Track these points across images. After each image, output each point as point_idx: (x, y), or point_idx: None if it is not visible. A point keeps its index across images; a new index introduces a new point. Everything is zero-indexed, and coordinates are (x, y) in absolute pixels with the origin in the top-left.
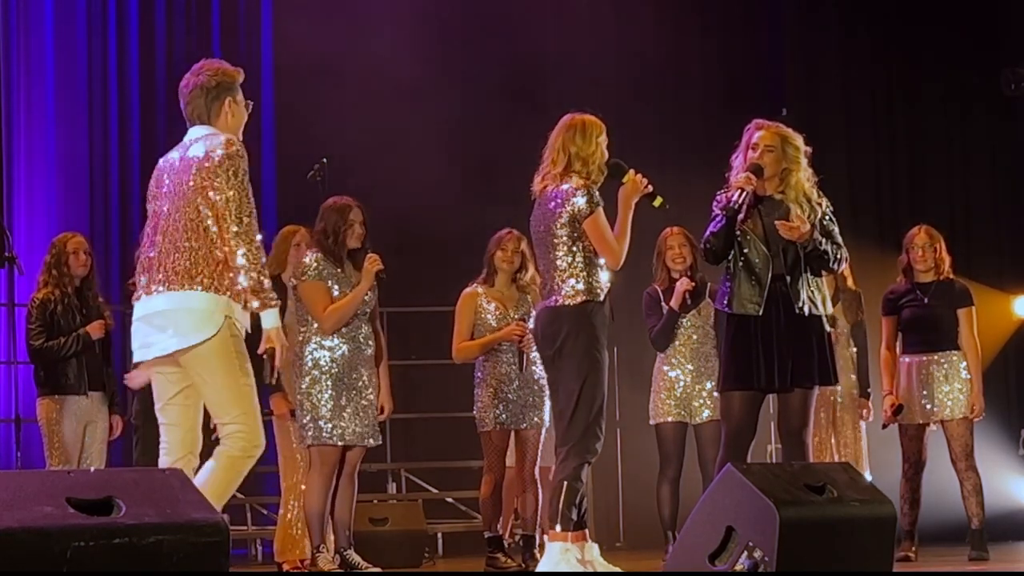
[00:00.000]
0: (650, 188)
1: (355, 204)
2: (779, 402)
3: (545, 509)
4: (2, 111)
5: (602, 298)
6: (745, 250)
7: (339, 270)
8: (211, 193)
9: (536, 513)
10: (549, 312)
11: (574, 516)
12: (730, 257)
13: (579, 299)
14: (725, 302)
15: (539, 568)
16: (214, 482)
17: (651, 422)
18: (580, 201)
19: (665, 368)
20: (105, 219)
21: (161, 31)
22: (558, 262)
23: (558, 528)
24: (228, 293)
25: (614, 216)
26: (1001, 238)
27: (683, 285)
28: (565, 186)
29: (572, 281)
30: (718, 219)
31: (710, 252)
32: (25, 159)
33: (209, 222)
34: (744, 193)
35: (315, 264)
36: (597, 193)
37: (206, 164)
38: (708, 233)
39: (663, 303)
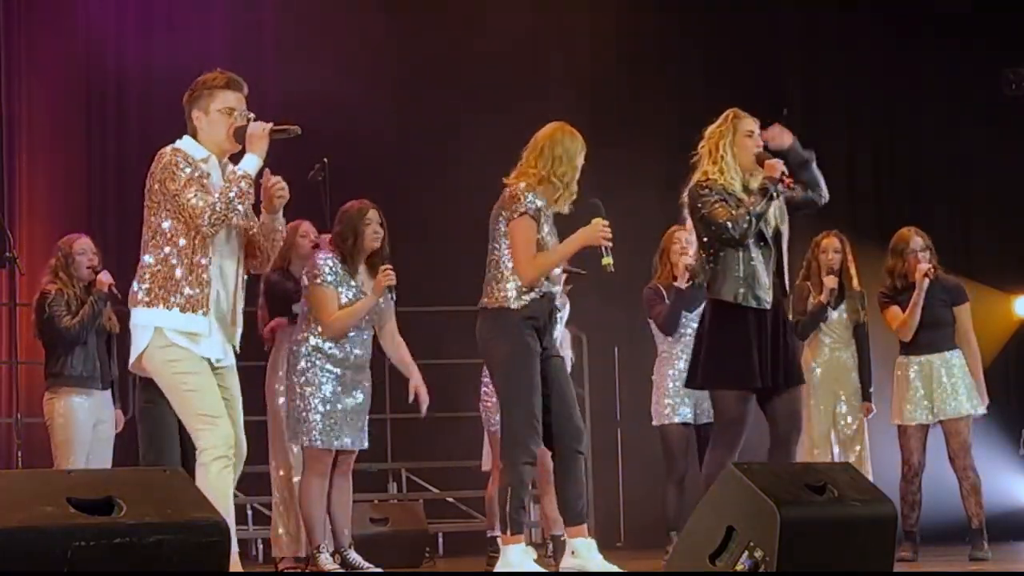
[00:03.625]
0: (607, 245)
1: (372, 206)
2: (770, 406)
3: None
4: (2, 111)
5: (515, 306)
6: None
7: (352, 280)
8: (147, 204)
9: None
10: (478, 313)
11: (522, 519)
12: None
13: (499, 303)
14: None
15: (497, 569)
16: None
17: (655, 423)
18: (515, 203)
19: (667, 370)
20: (102, 219)
21: (160, 30)
22: (491, 259)
23: (508, 533)
24: (165, 304)
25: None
26: (1001, 238)
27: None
28: (518, 185)
29: (501, 284)
30: (769, 197)
31: (745, 233)
32: (26, 159)
33: (149, 234)
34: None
35: (329, 269)
36: (537, 202)
37: (149, 177)
38: (754, 213)
39: (666, 299)
